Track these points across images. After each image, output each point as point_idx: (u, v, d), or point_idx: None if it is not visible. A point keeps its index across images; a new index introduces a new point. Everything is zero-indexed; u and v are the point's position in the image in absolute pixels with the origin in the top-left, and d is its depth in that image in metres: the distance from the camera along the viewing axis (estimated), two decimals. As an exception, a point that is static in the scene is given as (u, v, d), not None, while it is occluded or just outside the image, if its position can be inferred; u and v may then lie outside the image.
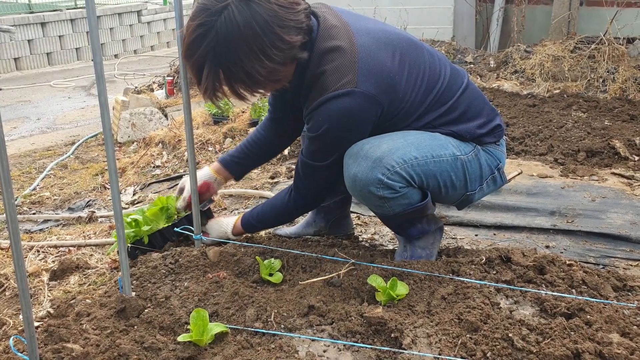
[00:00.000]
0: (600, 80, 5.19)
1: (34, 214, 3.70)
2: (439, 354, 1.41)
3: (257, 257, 1.97)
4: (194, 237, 2.10)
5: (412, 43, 1.95)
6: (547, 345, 1.35)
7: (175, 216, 2.29)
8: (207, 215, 2.24)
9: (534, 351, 1.36)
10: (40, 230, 3.30)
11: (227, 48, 1.70)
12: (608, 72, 5.22)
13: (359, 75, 1.74)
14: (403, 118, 1.89)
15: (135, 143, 5.55)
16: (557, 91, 5.03)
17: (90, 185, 4.12)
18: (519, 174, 2.68)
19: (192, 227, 2.13)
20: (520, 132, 3.44)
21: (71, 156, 5.33)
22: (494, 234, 2.59)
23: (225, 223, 2.21)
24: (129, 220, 2.21)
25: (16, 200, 3.96)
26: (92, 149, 5.69)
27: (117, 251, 2.28)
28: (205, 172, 2.26)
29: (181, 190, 2.31)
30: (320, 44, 1.80)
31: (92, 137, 6.10)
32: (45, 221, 3.49)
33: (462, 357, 1.38)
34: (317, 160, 1.90)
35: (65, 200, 3.87)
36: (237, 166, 2.27)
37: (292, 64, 1.79)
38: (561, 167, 3.00)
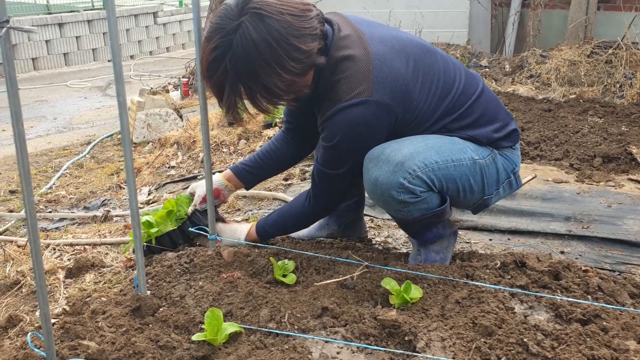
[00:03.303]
0: (617, 86, 5.15)
1: (50, 212, 3.74)
2: (453, 358, 1.40)
3: (271, 258, 1.97)
4: (209, 237, 2.12)
5: (426, 49, 1.95)
6: (563, 351, 1.34)
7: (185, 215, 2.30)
8: (215, 219, 2.26)
9: (549, 357, 1.35)
10: (56, 228, 3.34)
11: (245, 66, 1.71)
12: (625, 77, 5.18)
13: (373, 85, 1.75)
14: (419, 124, 1.89)
15: (150, 144, 5.59)
16: (573, 96, 4.99)
17: (105, 185, 4.16)
18: (533, 177, 2.66)
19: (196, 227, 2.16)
20: (535, 136, 3.43)
21: (87, 156, 5.38)
22: (509, 239, 2.58)
23: (239, 230, 2.22)
24: (142, 220, 2.24)
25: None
26: (108, 148, 5.74)
27: (133, 250, 2.31)
28: (216, 179, 2.28)
29: (191, 194, 2.32)
30: (334, 52, 1.81)
31: (107, 137, 6.15)
32: (61, 219, 3.53)
33: (476, 362, 1.37)
34: (332, 169, 1.92)
35: (81, 199, 3.91)
36: (249, 175, 2.28)
37: (310, 72, 1.80)
38: (577, 172, 2.98)
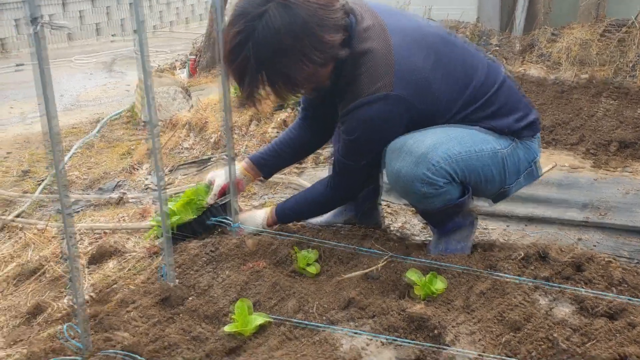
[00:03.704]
0: (630, 66, 5.10)
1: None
2: (483, 352, 1.43)
3: (294, 247, 2.00)
4: (232, 225, 2.14)
5: (446, 40, 1.95)
6: (593, 347, 1.37)
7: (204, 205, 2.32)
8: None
9: (579, 352, 1.37)
10: (73, 210, 3.36)
11: (268, 54, 1.71)
12: (638, 57, 5.13)
13: (394, 79, 1.75)
14: (440, 115, 1.89)
15: (160, 122, 5.58)
16: (585, 76, 4.96)
17: (118, 166, 4.16)
18: (553, 167, 2.67)
19: (215, 218, 2.18)
20: (550, 120, 3.42)
21: (97, 135, 5.38)
22: (525, 225, 2.60)
23: (258, 215, 2.24)
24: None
25: (46, 179, 4.02)
26: (117, 127, 5.73)
27: (155, 237, 2.34)
28: (236, 168, 2.28)
29: (209, 184, 2.33)
30: (356, 44, 1.80)
31: (115, 115, 6.14)
32: (76, 202, 3.54)
33: (506, 356, 1.40)
34: (352, 161, 1.94)
35: (94, 180, 3.92)
36: (267, 165, 2.29)
37: (331, 63, 1.80)
38: (593, 158, 2.98)
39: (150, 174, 3.82)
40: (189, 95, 6.00)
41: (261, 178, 2.36)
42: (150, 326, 1.61)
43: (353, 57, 1.80)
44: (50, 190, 3.87)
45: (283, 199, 3.00)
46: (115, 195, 3.45)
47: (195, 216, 2.21)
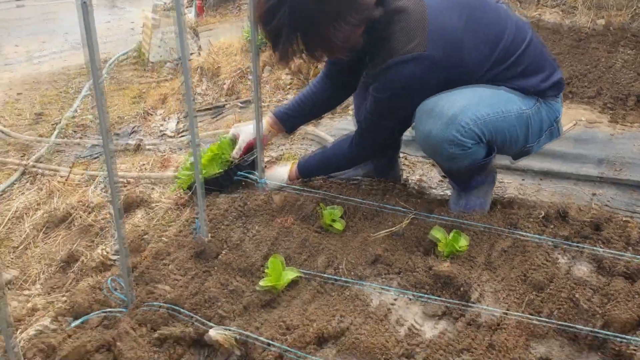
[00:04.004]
0: (647, 12, 5.02)
1: (80, 138, 3.79)
2: (507, 310, 1.51)
3: (320, 204, 2.05)
4: (258, 181, 2.19)
5: None
6: (613, 308, 1.45)
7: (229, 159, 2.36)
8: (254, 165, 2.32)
9: (600, 312, 1.46)
10: (91, 156, 3.40)
11: (304, 15, 1.70)
12: (656, 3, 5.03)
13: (428, 39, 1.75)
14: (470, 74, 1.90)
15: (167, 64, 5.54)
16: (601, 21, 4.87)
17: (132, 111, 4.18)
18: (574, 125, 2.69)
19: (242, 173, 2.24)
20: (567, 72, 3.40)
21: (106, 76, 5.35)
22: (541, 180, 2.64)
23: (282, 171, 2.28)
24: (188, 164, 2.31)
25: (60, 122, 4.04)
26: (125, 68, 5.69)
27: (181, 188, 2.39)
28: (261, 124, 2.30)
29: (234, 137, 2.36)
30: (390, 2, 1.79)
31: (122, 55, 6.07)
32: (93, 146, 3.58)
33: (530, 314, 1.48)
34: (380, 118, 1.96)
35: (109, 125, 3.94)
36: (290, 120, 2.31)
37: (365, 23, 1.79)
38: (610, 112, 2.99)
39: (165, 120, 3.84)
40: (197, 36, 5.92)
41: (284, 132, 2.39)
42: (189, 279, 1.69)
43: (386, 15, 1.79)
44: (65, 134, 3.90)
45: (300, 150, 3.05)
46: (132, 141, 3.49)
47: (221, 170, 2.25)
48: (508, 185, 2.63)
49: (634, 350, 1.37)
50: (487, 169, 2.06)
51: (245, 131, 2.29)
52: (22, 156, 3.46)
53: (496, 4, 2.02)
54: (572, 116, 3.00)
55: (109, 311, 1.58)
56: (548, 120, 2.06)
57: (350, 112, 3.37)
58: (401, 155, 2.78)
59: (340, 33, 1.74)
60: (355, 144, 2.11)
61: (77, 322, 1.55)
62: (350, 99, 2.53)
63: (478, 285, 1.61)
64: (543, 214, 1.93)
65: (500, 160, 2.72)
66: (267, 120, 2.31)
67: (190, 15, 6.38)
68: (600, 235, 1.85)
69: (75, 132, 3.93)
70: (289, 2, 1.70)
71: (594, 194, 2.49)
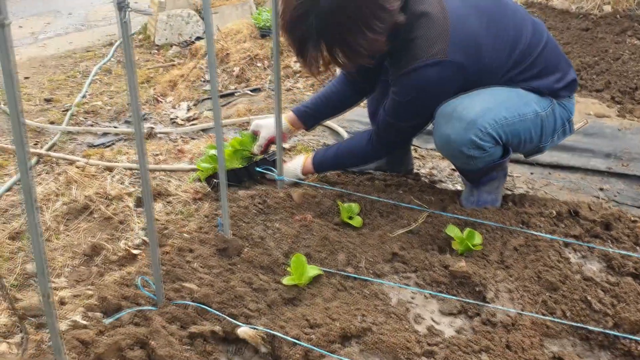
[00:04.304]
0: (654, -3, 5.02)
1: (91, 125, 3.82)
2: (522, 310, 1.58)
3: (338, 201, 2.11)
4: (276, 177, 2.24)
5: (498, 2, 1.98)
6: (623, 310, 1.52)
7: (249, 155, 2.41)
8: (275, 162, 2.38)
9: (610, 314, 1.53)
10: (103, 144, 3.44)
11: (330, 25, 1.74)
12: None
13: (450, 45, 1.79)
14: (488, 76, 1.95)
15: (173, 47, 5.54)
16: (607, 7, 4.89)
17: (141, 96, 4.20)
18: (585, 124, 2.74)
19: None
20: (575, 63, 3.44)
21: (112, 59, 5.35)
22: (549, 173, 2.70)
23: (294, 164, 2.34)
24: (210, 153, 2.35)
25: (70, 109, 4.06)
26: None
27: (200, 180, 2.44)
28: (282, 121, 2.35)
29: (254, 132, 2.41)
30: (412, 7, 1.82)
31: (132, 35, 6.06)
32: (105, 134, 3.62)
33: (543, 315, 1.55)
34: (398, 120, 2.01)
35: (119, 112, 3.97)
36: (310, 118, 2.37)
37: (390, 30, 1.82)
38: (618, 106, 3.04)
39: (174, 108, 3.87)
40: (203, 18, 5.90)
41: (303, 130, 2.43)
42: (214, 277, 1.76)
43: (409, 20, 1.82)
44: (76, 121, 3.93)
45: (312, 140, 3.10)
46: (144, 128, 3.52)
47: (241, 165, 2.31)
48: (517, 178, 2.69)
49: (643, 349, 1.45)
50: (500, 167, 2.11)
51: (266, 127, 2.34)
52: (35, 143, 3.50)
53: (514, 6, 2.05)
54: (582, 109, 3.04)
55: (141, 309, 1.64)
56: (561, 120, 2.11)
57: (362, 104, 3.41)
58: (412, 147, 2.84)
59: (365, 41, 1.78)
60: (372, 142, 2.16)
61: (111, 319, 1.61)
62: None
63: (493, 284, 1.68)
64: (555, 213, 1.99)
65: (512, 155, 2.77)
66: (286, 117, 2.36)
67: (195, -4, 6.33)
68: (609, 234, 1.91)
69: (85, 118, 3.96)
70: (316, 12, 1.73)
71: (601, 189, 2.55)
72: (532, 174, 2.71)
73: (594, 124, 2.91)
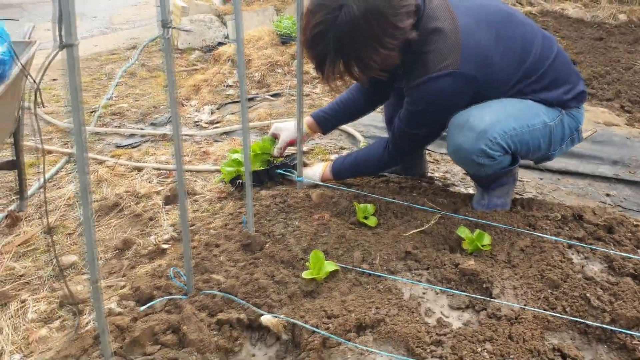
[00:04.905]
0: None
1: (118, 127, 3.99)
2: (525, 305, 1.70)
3: (354, 202, 2.24)
4: (296, 179, 2.38)
5: (508, 16, 2.09)
6: (620, 307, 1.63)
7: (270, 158, 2.56)
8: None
9: (608, 310, 1.64)
10: (130, 145, 3.60)
11: (346, 42, 1.88)
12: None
13: (461, 58, 1.91)
14: (497, 88, 2.07)
15: (196, 51, 5.71)
16: (622, 16, 4.96)
17: (165, 99, 4.36)
18: (594, 132, 2.84)
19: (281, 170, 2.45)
20: (587, 73, 3.53)
21: (136, 62, 5.53)
22: (558, 179, 2.81)
23: (315, 170, 2.48)
24: (231, 160, 2.51)
25: (97, 111, 4.24)
26: (155, 54, 5.86)
27: (224, 182, 2.58)
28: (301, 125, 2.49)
29: (273, 136, 2.55)
30: (425, 23, 1.95)
31: (151, 41, 6.25)
32: (131, 135, 3.78)
33: (544, 310, 1.67)
34: (413, 129, 2.14)
35: (145, 114, 4.14)
36: (327, 123, 2.52)
37: (402, 46, 1.95)
38: (628, 115, 3.13)
39: (198, 111, 4.02)
40: (224, 24, 6.07)
41: (319, 134, 2.57)
42: (239, 270, 1.90)
43: (422, 35, 1.95)
44: (102, 123, 4.10)
45: (330, 143, 3.23)
46: (169, 131, 3.68)
47: (262, 167, 2.45)
48: (527, 183, 2.80)
49: (637, 343, 1.56)
50: (510, 174, 2.23)
51: (285, 130, 2.48)
52: (64, 144, 3.67)
53: (525, 20, 2.17)
54: (591, 117, 3.14)
55: (172, 298, 1.78)
56: (569, 129, 2.21)
57: (378, 110, 3.54)
58: (426, 152, 2.96)
59: (379, 57, 1.91)
60: (388, 150, 2.29)
61: (146, 306, 1.76)
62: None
63: (499, 281, 1.80)
64: (560, 216, 2.10)
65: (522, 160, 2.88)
66: (305, 121, 2.49)
67: (216, 1, 6.52)
68: (612, 237, 2.02)
69: (112, 120, 4.13)
70: (334, 30, 1.87)
71: (608, 194, 2.65)
72: (541, 179, 2.82)
73: (603, 132, 3.01)
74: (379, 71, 1.99)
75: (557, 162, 2.86)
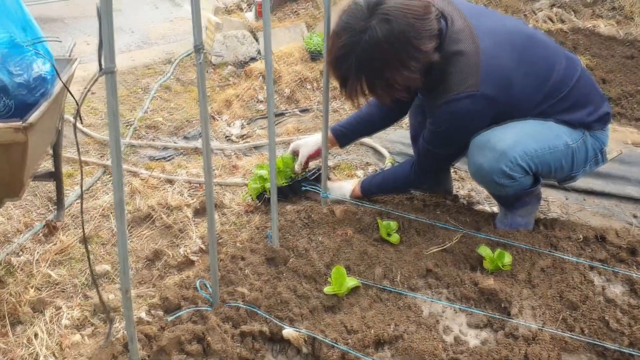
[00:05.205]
0: None
1: (152, 139, 4.12)
2: (543, 325, 1.72)
3: (378, 219, 2.29)
4: (321, 194, 2.44)
5: (529, 38, 2.12)
6: (639, 330, 1.64)
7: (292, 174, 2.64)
8: (318, 178, 2.58)
9: (627, 333, 1.65)
10: (163, 158, 3.72)
11: (370, 64, 1.94)
12: None
13: (481, 80, 1.95)
14: (519, 109, 2.10)
15: (229, 66, 5.84)
16: (656, 33, 4.90)
17: (198, 114, 4.48)
18: (619, 154, 2.83)
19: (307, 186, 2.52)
20: (616, 92, 3.51)
21: (171, 77, 5.69)
22: (584, 199, 2.80)
23: (345, 187, 2.54)
24: (257, 177, 2.59)
25: (133, 124, 4.38)
26: (189, 69, 6.01)
27: (251, 197, 2.66)
28: (318, 139, 2.57)
29: (293, 152, 2.63)
30: (447, 46, 2.00)
31: (185, 55, 6.41)
32: (165, 148, 3.90)
33: (562, 331, 1.68)
34: (436, 148, 2.18)
35: (178, 127, 4.26)
36: (345, 137, 2.59)
37: (424, 68, 2.00)
38: (656, 135, 3.10)
39: (229, 125, 4.13)
40: (257, 39, 6.20)
41: (337, 147, 2.64)
42: (263, 283, 1.96)
43: (444, 57, 2.00)
44: (138, 135, 4.23)
45: (356, 159, 3.29)
46: (200, 144, 3.79)
47: (286, 183, 2.53)
48: (552, 203, 2.80)
49: (657, 368, 1.57)
50: (533, 194, 2.25)
51: (305, 145, 2.56)
52: (101, 156, 3.81)
53: (547, 40, 2.20)
54: (619, 137, 3.13)
55: (198, 308, 1.85)
56: (593, 151, 2.22)
57: (403, 126, 3.58)
58: (451, 169, 2.99)
59: (401, 78, 1.96)
60: (414, 169, 2.34)
61: (173, 316, 1.83)
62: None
63: (518, 301, 1.82)
64: (582, 237, 2.11)
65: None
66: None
67: (249, 17, 6.66)
68: (635, 260, 2.02)
69: (147, 133, 4.26)
70: (357, 52, 1.93)
71: (635, 216, 2.63)
72: (567, 199, 2.81)
73: (631, 152, 2.99)
74: (402, 92, 2.04)
75: (583, 182, 2.84)
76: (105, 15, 1.14)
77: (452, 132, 2.09)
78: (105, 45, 1.18)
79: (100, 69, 1.22)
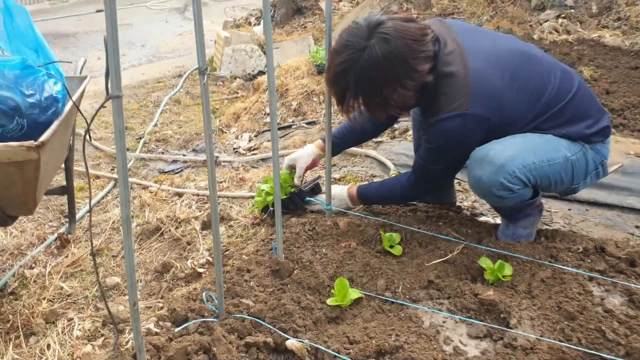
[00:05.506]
0: None
1: (162, 153, 4.20)
2: (541, 335, 1.75)
3: (380, 231, 2.33)
4: (325, 207, 2.49)
5: (523, 55, 2.17)
6: (635, 340, 1.66)
7: (291, 189, 2.70)
8: (315, 190, 2.64)
9: (623, 343, 1.67)
10: (173, 171, 3.79)
11: (367, 81, 2.01)
12: None
13: (470, 100, 2.02)
14: (512, 126, 2.15)
15: (237, 79, 5.93)
16: (662, 43, 4.91)
17: (206, 127, 4.57)
18: (620, 166, 2.86)
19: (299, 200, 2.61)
20: (620, 103, 3.54)
21: (181, 90, 5.79)
22: (587, 210, 2.83)
23: (339, 189, 2.60)
24: (261, 191, 2.65)
25: (143, 137, 4.47)
26: (198, 82, 6.10)
27: (256, 209, 2.72)
28: (312, 150, 2.65)
29: (289, 167, 2.69)
30: (440, 67, 2.07)
31: (195, 69, 6.51)
32: (174, 161, 3.98)
33: (560, 341, 1.72)
34: (430, 164, 2.25)
35: (187, 140, 4.35)
36: (337, 146, 2.64)
37: (419, 87, 2.06)
38: (659, 146, 3.12)
39: (237, 138, 4.20)
40: (265, 53, 6.29)
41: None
42: (268, 295, 2.01)
43: (436, 78, 2.06)
44: (148, 149, 4.32)
45: (361, 171, 3.34)
46: (209, 158, 3.85)
47: (285, 196, 2.60)
48: (554, 213, 2.83)
49: (653, 378, 1.59)
50: (534, 205, 2.28)
51: (300, 158, 2.63)
52: (111, 169, 3.89)
53: (542, 55, 2.24)
54: (622, 148, 3.15)
55: (205, 320, 1.91)
56: (593, 163, 2.25)
57: (408, 138, 3.63)
58: (455, 181, 3.03)
59: (396, 96, 2.03)
60: (410, 182, 2.39)
61: (180, 327, 1.89)
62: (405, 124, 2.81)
63: (517, 312, 1.86)
64: (581, 249, 2.14)
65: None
66: (316, 145, 2.65)
67: (258, 31, 6.76)
68: (634, 271, 2.04)
69: (156, 146, 4.34)
70: (354, 70, 2.00)
71: (637, 226, 2.66)
72: (569, 209, 2.84)
73: (633, 163, 3.01)
74: (397, 109, 2.11)
75: (585, 193, 2.87)
76: (111, 44, 1.21)
77: (445, 149, 2.15)
78: (112, 73, 1.25)
79: (107, 93, 1.29)
